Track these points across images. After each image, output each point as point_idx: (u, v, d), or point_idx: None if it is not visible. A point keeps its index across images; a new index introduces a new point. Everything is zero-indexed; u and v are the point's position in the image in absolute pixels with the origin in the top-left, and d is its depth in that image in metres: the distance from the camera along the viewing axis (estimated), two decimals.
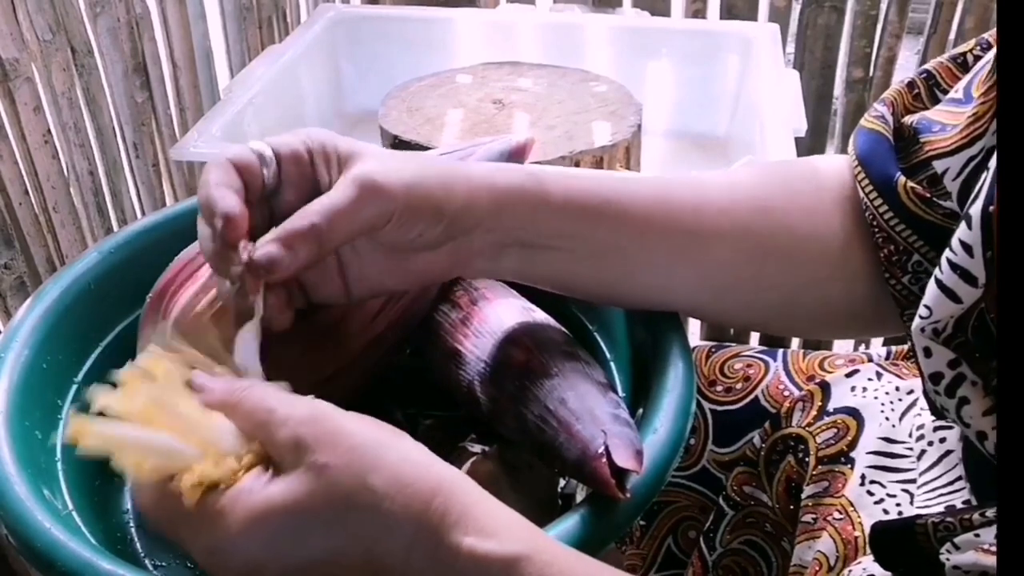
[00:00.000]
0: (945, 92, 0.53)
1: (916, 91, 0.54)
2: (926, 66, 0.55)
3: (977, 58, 0.52)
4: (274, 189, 0.50)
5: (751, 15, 1.41)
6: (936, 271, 0.44)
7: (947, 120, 0.50)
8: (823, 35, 1.41)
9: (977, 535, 0.41)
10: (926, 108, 0.53)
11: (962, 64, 0.53)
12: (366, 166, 0.48)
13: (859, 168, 0.53)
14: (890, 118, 0.53)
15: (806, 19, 1.40)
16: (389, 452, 0.40)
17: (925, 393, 0.51)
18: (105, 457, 0.40)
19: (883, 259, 0.51)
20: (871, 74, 1.45)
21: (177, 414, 0.41)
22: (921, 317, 0.44)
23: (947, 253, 0.43)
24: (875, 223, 0.51)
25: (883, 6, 1.40)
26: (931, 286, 0.44)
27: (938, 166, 0.49)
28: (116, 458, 0.40)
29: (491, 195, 0.50)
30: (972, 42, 0.52)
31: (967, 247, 0.42)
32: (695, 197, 0.54)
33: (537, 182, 0.51)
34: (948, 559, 0.41)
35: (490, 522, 0.39)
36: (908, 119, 0.52)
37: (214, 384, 0.43)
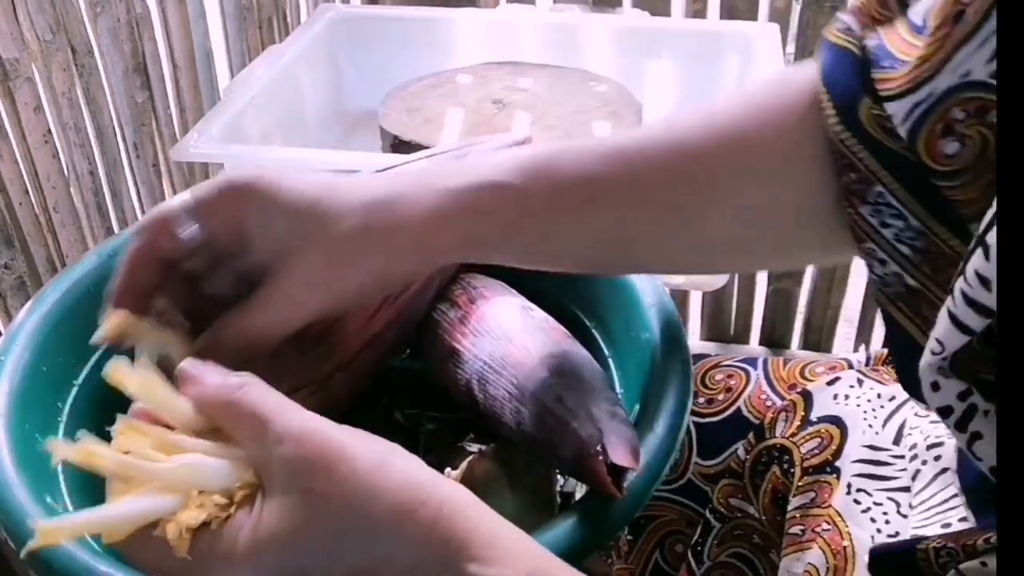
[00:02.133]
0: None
1: None
2: None
3: None
4: (208, 240, 0.49)
5: (751, 15, 1.41)
6: (948, 303, 0.41)
7: (900, 52, 0.45)
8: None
9: (984, 564, 0.40)
10: (893, 18, 0.48)
11: None
12: (299, 259, 0.47)
13: (823, 89, 0.48)
14: (857, 29, 0.48)
15: (806, 19, 1.40)
16: (388, 477, 0.39)
17: (905, 386, 0.49)
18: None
19: (842, 188, 0.47)
20: None
21: (148, 470, 0.39)
22: (933, 353, 0.42)
23: (961, 285, 0.40)
24: (835, 149, 0.47)
25: None
26: (943, 319, 0.41)
27: (889, 108, 0.45)
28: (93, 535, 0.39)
29: (457, 228, 0.48)
30: None
31: (985, 281, 0.38)
32: (676, 165, 0.51)
33: (514, 194, 0.49)
34: None
35: (494, 549, 0.38)
36: (870, 41, 0.47)
37: (205, 376, 0.41)
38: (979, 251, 0.39)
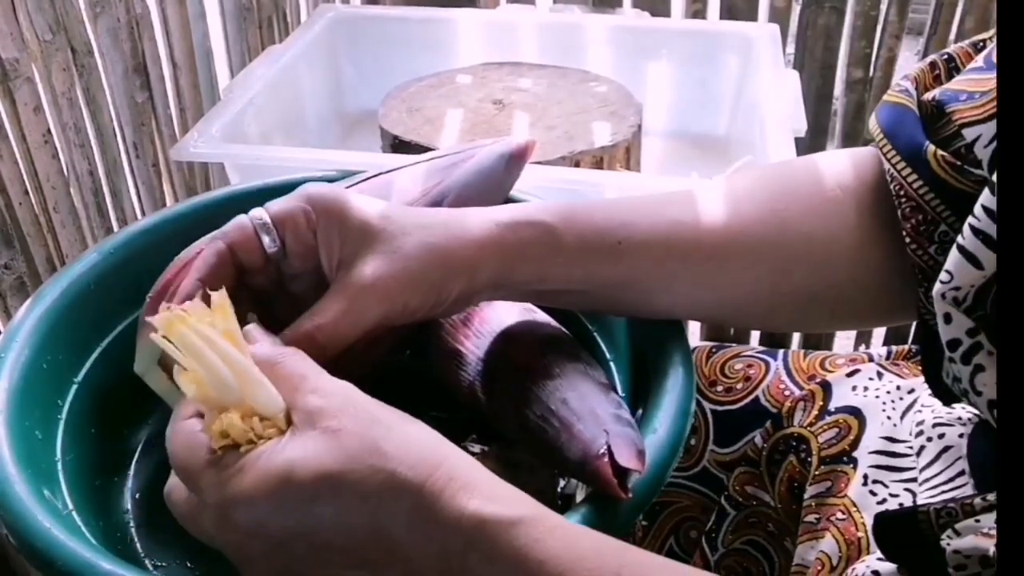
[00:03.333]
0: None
1: (936, 72, 0.54)
2: (947, 50, 0.54)
3: None
4: (281, 253, 0.51)
5: (751, 15, 1.41)
6: (959, 237, 0.44)
7: (972, 88, 0.49)
8: (823, 35, 1.41)
9: (978, 520, 0.42)
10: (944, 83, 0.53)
11: (981, 49, 0.52)
12: (367, 269, 0.48)
13: (884, 140, 0.52)
14: (914, 92, 0.53)
15: (806, 19, 1.40)
16: (402, 425, 0.41)
17: (930, 363, 0.51)
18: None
19: (910, 229, 0.50)
20: (871, 74, 1.45)
21: (236, 359, 0.42)
22: (942, 282, 0.44)
23: (970, 219, 0.43)
24: (902, 193, 0.50)
25: (883, 6, 1.40)
26: (953, 252, 0.44)
27: (968, 134, 0.48)
28: (178, 370, 0.42)
29: (499, 258, 0.50)
30: (992, 31, 0.52)
31: (990, 212, 0.42)
32: (711, 217, 0.53)
33: (549, 231, 0.51)
34: (949, 544, 0.42)
35: (495, 490, 0.40)
36: (928, 95, 0.52)
37: (263, 340, 0.46)
38: (986, 190, 0.42)
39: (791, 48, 1.41)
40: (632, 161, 1.03)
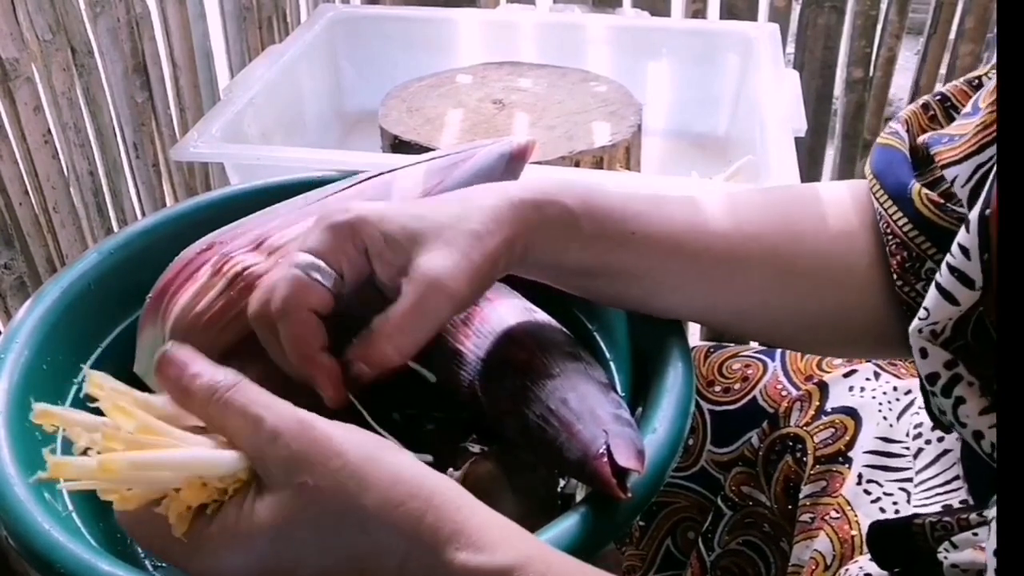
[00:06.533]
0: (960, 112, 0.53)
1: (931, 112, 0.54)
2: (941, 89, 0.55)
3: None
4: (342, 286, 0.49)
5: (751, 15, 1.41)
6: (936, 275, 0.44)
7: (956, 132, 0.50)
8: (823, 35, 1.41)
9: (975, 534, 0.42)
10: (941, 128, 0.53)
11: (977, 86, 0.53)
12: (433, 267, 0.47)
13: (874, 180, 0.53)
14: (904, 134, 0.53)
15: (806, 19, 1.41)
16: (379, 470, 0.39)
17: (923, 392, 0.51)
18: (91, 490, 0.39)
19: (896, 266, 0.51)
20: (871, 74, 1.45)
21: (168, 459, 0.39)
22: (919, 319, 0.45)
23: (947, 257, 0.43)
24: (889, 231, 0.51)
25: (883, 6, 1.40)
26: (931, 289, 0.44)
27: (948, 174, 0.49)
28: (101, 493, 0.39)
29: (525, 236, 0.50)
30: (988, 65, 0.52)
31: (965, 250, 0.42)
32: (725, 221, 0.54)
33: (568, 212, 0.50)
34: (946, 557, 0.42)
35: (483, 536, 0.39)
36: (921, 139, 0.52)
37: (192, 366, 0.41)
38: (962, 228, 0.43)
39: (791, 48, 1.41)
40: (632, 161, 1.03)
